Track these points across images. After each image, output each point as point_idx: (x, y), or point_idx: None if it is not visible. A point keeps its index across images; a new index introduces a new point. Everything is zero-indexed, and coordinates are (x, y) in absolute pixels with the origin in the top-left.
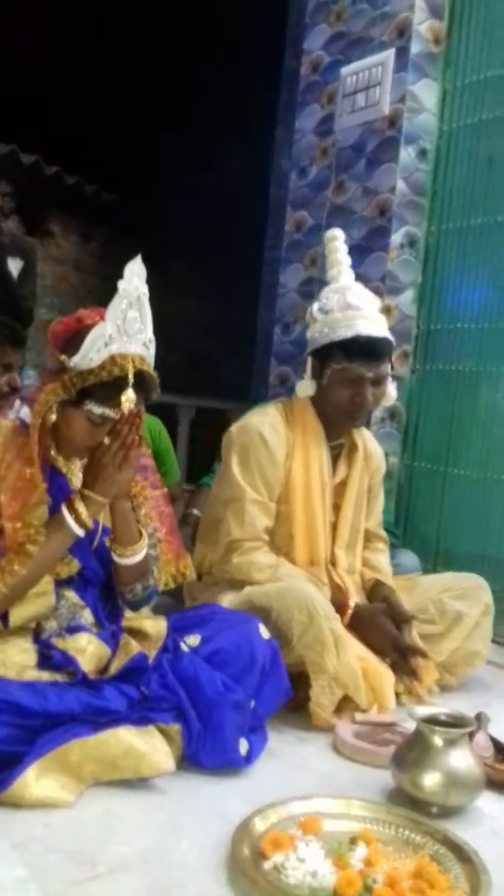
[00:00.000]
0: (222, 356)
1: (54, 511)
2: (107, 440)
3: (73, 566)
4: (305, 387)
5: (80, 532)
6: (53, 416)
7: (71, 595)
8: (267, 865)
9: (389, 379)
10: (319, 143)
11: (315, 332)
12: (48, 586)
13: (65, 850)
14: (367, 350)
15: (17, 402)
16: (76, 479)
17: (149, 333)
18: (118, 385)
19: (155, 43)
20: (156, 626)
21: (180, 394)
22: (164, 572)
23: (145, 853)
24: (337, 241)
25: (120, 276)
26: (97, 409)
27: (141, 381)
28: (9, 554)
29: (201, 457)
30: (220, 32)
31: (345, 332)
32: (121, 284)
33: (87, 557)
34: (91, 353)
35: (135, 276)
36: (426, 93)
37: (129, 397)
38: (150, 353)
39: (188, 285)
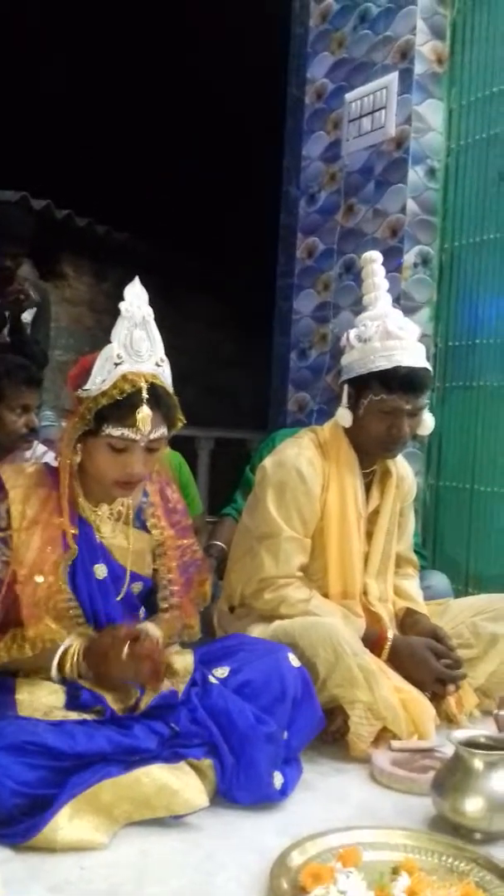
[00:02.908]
0: (239, 385)
1: (79, 561)
2: (126, 650)
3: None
4: (345, 416)
5: (58, 681)
6: (78, 458)
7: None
8: None
9: (427, 409)
10: (327, 169)
11: (352, 360)
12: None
13: (100, 892)
14: (406, 382)
15: (36, 444)
16: (104, 526)
17: (159, 353)
18: (133, 403)
19: (160, 80)
20: (183, 660)
21: (198, 425)
22: (169, 628)
23: (181, 891)
24: (374, 264)
25: None
26: (116, 431)
27: (156, 398)
28: (19, 629)
29: (222, 488)
30: (222, 67)
31: (384, 364)
32: (122, 306)
33: (111, 608)
34: (102, 375)
35: (136, 297)
36: (432, 112)
37: (144, 413)
38: (162, 372)
39: (203, 317)
